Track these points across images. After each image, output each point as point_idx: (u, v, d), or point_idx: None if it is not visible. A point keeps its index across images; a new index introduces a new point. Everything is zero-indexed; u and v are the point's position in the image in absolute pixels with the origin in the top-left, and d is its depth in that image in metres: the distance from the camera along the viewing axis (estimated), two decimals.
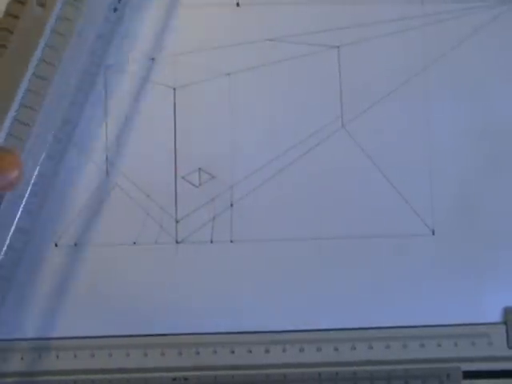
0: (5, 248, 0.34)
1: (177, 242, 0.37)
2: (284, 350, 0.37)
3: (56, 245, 0.37)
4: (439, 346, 0.37)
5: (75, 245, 0.37)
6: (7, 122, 0.33)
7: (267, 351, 0.37)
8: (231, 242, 0.37)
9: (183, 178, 0.37)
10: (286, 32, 0.38)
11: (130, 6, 0.37)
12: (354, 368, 0.37)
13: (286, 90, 0.38)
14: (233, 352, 0.37)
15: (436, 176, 0.38)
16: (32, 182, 0.34)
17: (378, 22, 0.38)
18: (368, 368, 0.37)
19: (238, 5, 0.38)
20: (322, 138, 0.37)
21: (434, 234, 0.37)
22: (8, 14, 0.34)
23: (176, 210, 0.37)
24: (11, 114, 0.33)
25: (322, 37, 0.38)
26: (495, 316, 0.37)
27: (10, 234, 0.34)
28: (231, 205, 0.37)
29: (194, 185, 0.37)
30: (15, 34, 0.33)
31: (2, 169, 0.30)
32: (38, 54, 0.33)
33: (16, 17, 0.33)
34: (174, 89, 0.37)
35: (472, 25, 0.38)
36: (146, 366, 0.36)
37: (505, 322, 0.37)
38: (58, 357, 0.36)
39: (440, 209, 0.37)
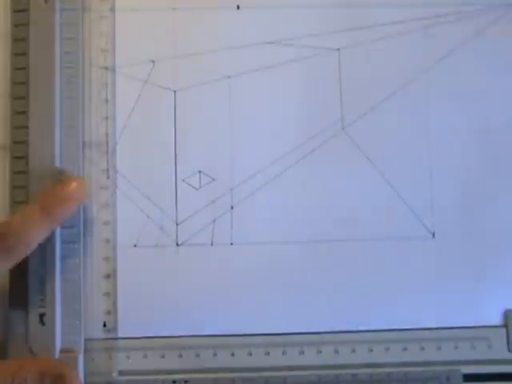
0: None
1: (177, 245, 0.37)
2: (284, 353, 0.37)
3: None
4: (439, 348, 0.37)
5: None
6: None
7: (267, 354, 0.37)
8: (231, 244, 0.37)
9: (183, 180, 0.37)
10: (287, 35, 0.38)
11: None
12: (354, 371, 0.37)
13: (286, 93, 0.38)
14: (233, 354, 0.37)
15: (436, 178, 0.38)
16: None
17: (378, 24, 0.38)
18: (368, 371, 0.36)
19: (238, 7, 0.38)
20: (322, 141, 0.37)
21: (434, 236, 0.37)
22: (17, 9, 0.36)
23: (176, 212, 0.37)
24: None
25: (322, 39, 0.38)
26: (495, 319, 0.37)
27: None
28: (231, 207, 0.37)
29: (194, 187, 0.37)
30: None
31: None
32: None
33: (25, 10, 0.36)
34: (175, 91, 0.37)
35: (473, 27, 0.38)
36: (146, 368, 0.36)
37: (505, 325, 0.37)
38: None
39: (440, 211, 0.37)
